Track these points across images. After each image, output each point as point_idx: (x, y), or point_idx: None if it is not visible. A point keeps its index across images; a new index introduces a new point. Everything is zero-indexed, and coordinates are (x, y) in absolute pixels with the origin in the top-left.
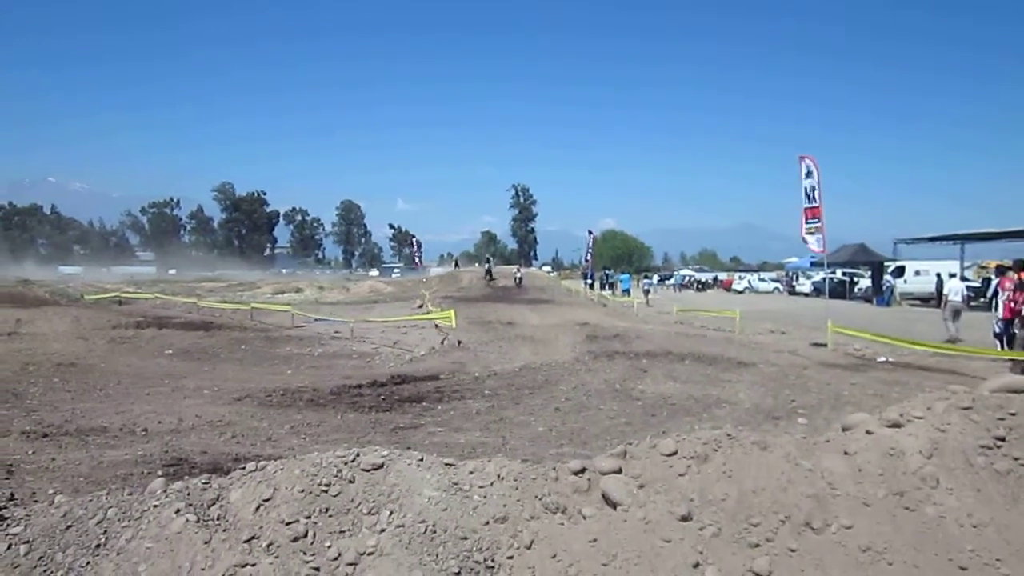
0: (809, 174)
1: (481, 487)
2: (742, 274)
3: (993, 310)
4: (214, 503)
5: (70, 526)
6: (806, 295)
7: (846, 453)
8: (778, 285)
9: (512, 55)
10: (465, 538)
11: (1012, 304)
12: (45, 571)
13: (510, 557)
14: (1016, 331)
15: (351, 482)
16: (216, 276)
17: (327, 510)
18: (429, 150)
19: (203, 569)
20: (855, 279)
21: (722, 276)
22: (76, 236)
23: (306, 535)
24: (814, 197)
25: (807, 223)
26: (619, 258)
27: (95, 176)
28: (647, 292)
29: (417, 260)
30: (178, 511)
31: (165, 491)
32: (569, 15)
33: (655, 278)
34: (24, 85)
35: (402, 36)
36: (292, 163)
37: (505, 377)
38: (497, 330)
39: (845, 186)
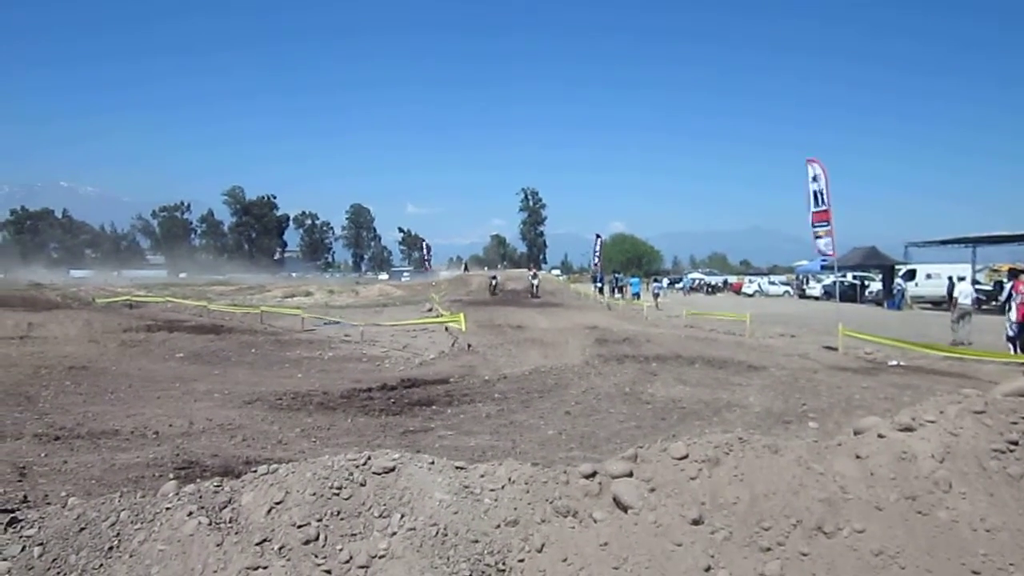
0: (816, 178)
1: (492, 490)
2: (752, 277)
3: (1006, 313)
4: (226, 506)
5: (83, 528)
6: (817, 298)
7: (858, 457)
8: (788, 288)
9: (522, 58)
10: (476, 541)
11: (1022, 306)
12: (58, 573)
13: (521, 560)
14: None
15: (362, 485)
16: (226, 280)
17: (338, 513)
18: (439, 154)
19: (215, 571)
20: (866, 282)
21: (732, 279)
22: (87, 240)
23: (318, 538)
24: (822, 201)
25: (815, 226)
26: (628, 261)
27: (106, 180)
28: (656, 295)
29: (427, 264)
30: (190, 514)
31: (177, 494)
32: (580, 17)
33: (665, 281)
34: (36, 89)
35: (413, 40)
36: (302, 167)
37: (515, 380)
38: (507, 333)
39: (856, 189)
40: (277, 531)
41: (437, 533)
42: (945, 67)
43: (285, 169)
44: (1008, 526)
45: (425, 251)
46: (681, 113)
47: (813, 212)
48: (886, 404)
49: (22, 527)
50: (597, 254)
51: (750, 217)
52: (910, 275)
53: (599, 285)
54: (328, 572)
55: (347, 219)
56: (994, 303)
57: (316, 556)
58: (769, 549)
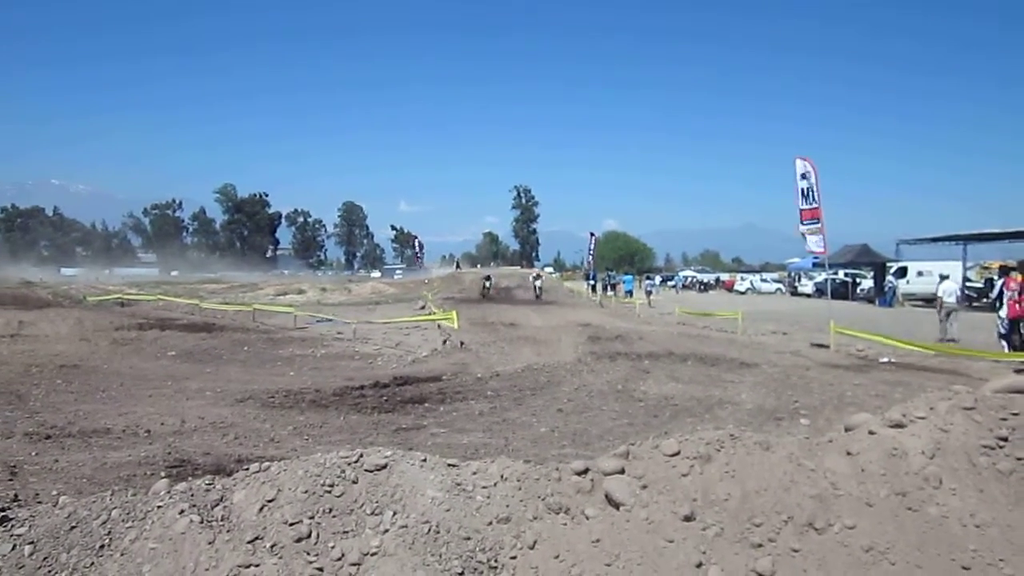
0: (805, 175)
1: (484, 488)
2: (744, 275)
3: (997, 311)
4: (218, 504)
5: (74, 527)
6: (808, 296)
7: (849, 453)
8: (780, 286)
9: (515, 56)
10: (468, 538)
11: (1017, 304)
12: (49, 572)
13: (513, 557)
14: (1022, 332)
15: (354, 483)
16: (218, 277)
17: (330, 511)
18: (432, 152)
19: (207, 570)
20: (858, 280)
21: (724, 277)
22: (78, 238)
23: (310, 536)
24: (812, 198)
25: (804, 224)
26: (621, 259)
27: (98, 178)
28: (649, 293)
29: (419, 261)
30: (182, 512)
31: (169, 492)
32: (573, 16)
33: (657, 279)
34: (27, 87)
35: (405, 38)
36: (294, 165)
37: (507, 378)
38: (499, 331)
39: (848, 187)
40: (269, 529)
41: (429, 530)
42: (937, 66)
43: (277, 167)
44: (998, 521)
45: (417, 248)
46: (675, 111)
47: (802, 210)
48: (877, 401)
49: (12, 526)
50: (591, 252)
51: (743, 215)
52: (901, 272)
53: (592, 283)
54: (320, 570)
55: (339, 217)
56: (984, 300)
57: (308, 554)
58: (760, 545)
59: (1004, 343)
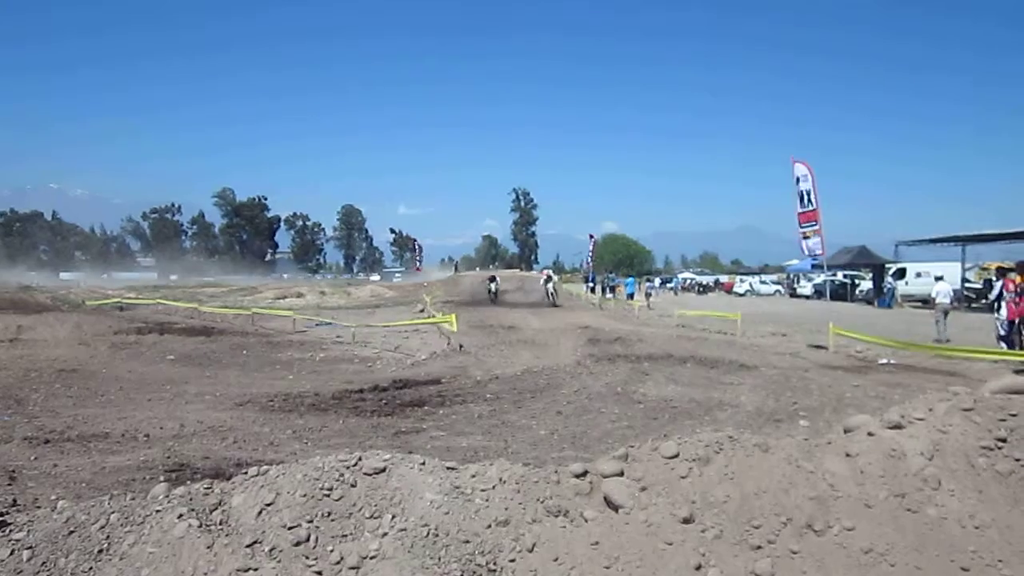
0: (802, 178)
1: (483, 490)
2: (743, 277)
3: (997, 312)
4: (216, 508)
5: (73, 531)
6: (807, 298)
7: (848, 455)
8: (779, 288)
9: (513, 58)
10: (467, 541)
11: (1014, 305)
12: None
13: (512, 560)
14: (1022, 333)
15: (353, 486)
16: (217, 281)
17: (329, 514)
18: (431, 155)
19: (205, 574)
20: (856, 281)
21: (723, 279)
22: (77, 242)
23: (308, 539)
24: (809, 201)
25: (802, 227)
26: (620, 261)
27: (96, 182)
28: (648, 295)
29: (418, 264)
30: (180, 516)
31: (167, 496)
32: (569, 17)
33: (656, 281)
34: (25, 91)
35: (403, 40)
36: (293, 168)
37: (507, 381)
38: (498, 334)
39: (846, 188)
40: (268, 533)
41: (428, 534)
42: (935, 66)
43: (276, 171)
44: (997, 523)
45: (416, 251)
46: (673, 113)
47: (800, 212)
48: (876, 402)
49: (11, 530)
50: (591, 254)
51: (741, 217)
52: (900, 274)
53: (591, 285)
54: (319, 573)
55: (338, 220)
56: (983, 301)
57: (307, 557)
58: (759, 547)
59: (1003, 344)
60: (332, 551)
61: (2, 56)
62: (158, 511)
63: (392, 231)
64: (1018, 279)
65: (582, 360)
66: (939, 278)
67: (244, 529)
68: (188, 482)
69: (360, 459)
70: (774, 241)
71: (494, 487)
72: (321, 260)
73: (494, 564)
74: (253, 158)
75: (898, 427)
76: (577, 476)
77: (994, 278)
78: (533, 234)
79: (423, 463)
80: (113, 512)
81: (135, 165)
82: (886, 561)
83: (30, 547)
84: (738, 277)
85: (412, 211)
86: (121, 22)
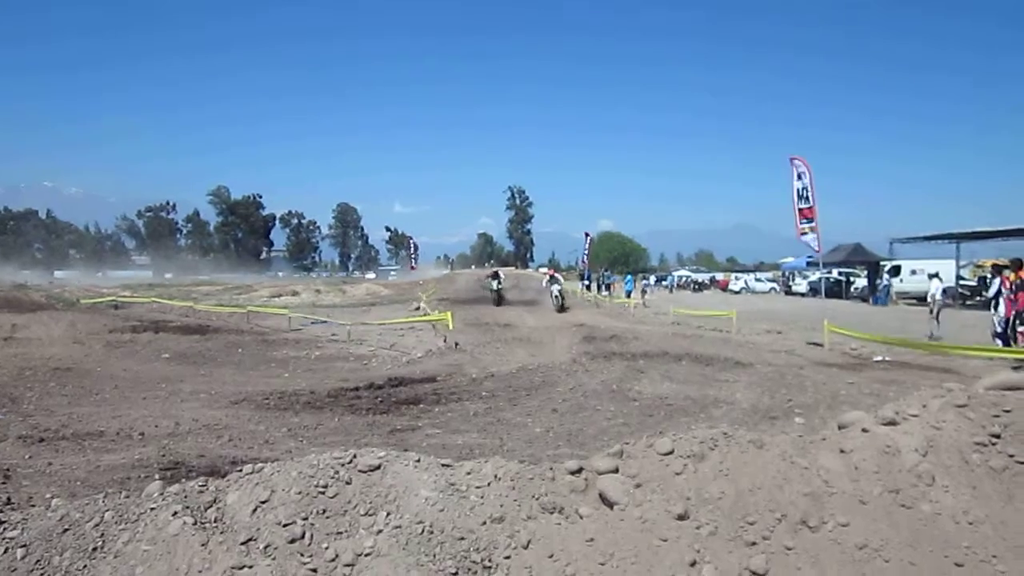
0: (800, 176)
1: (478, 488)
2: (738, 274)
3: (993, 309)
4: (211, 505)
5: (67, 529)
6: (803, 295)
7: (842, 451)
8: (774, 285)
9: (509, 57)
10: (462, 538)
11: (1012, 302)
12: (42, 574)
13: (507, 557)
14: (1018, 329)
15: (348, 484)
16: (212, 280)
17: (324, 511)
18: (427, 153)
19: (200, 571)
20: (851, 279)
21: (719, 276)
22: (72, 240)
23: (303, 537)
24: (807, 198)
25: (801, 224)
26: (616, 259)
27: (91, 180)
28: (644, 293)
29: (413, 263)
30: (175, 513)
31: (162, 494)
32: (565, 16)
33: (652, 279)
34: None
35: (399, 39)
36: (288, 167)
37: (502, 379)
38: (494, 332)
39: (841, 186)
40: (262, 530)
41: (423, 531)
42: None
43: (271, 169)
44: (990, 518)
45: (412, 249)
46: (668, 111)
47: (798, 210)
48: (871, 399)
49: (5, 529)
50: (586, 252)
51: (737, 215)
52: (895, 271)
53: (586, 283)
54: (314, 571)
55: (334, 218)
56: (978, 298)
57: (302, 555)
58: (754, 543)
59: (999, 342)
60: (327, 548)
61: None
62: (153, 509)
63: (387, 229)
64: (1012, 276)
65: (577, 358)
66: (932, 276)
67: (239, 527)
68: (183, 480)
69: (355, 456)
70: (770, 239)
71: (489, 484)
72: (316, 258)
73: (489, 561)
74: (248, 156)
75: (892, 423)
76: (572, 473)
77: (990, 275)
78: (529, 232)
79: (418, 460)
80: (108, 510)
81: (130, 163)
82: (880, 557)
83: (24, 545)
84: (733, 275)
85: (408, 209)
86: (117, 21)
